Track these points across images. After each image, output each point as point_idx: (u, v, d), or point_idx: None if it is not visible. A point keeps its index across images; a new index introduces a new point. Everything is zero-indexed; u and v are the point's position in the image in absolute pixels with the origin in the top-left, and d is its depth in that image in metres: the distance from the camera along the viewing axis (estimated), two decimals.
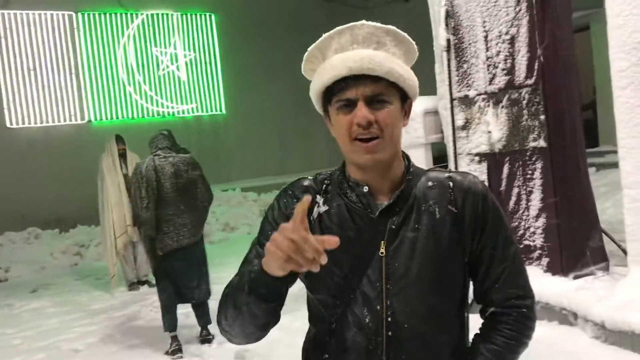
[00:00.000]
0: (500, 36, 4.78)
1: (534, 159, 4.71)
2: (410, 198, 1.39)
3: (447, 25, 5.11)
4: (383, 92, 1.32)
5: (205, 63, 12.68)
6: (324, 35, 1.37)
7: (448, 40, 5.11)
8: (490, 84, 4.89)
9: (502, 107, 4.83)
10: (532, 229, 4.77)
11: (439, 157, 5.58)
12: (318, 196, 1.43)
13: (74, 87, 11.45)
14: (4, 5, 10.72)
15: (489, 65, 4.88)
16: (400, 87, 1.35)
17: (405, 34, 1.39)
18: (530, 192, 4.75)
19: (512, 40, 4.70)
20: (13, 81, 10.96)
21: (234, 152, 12.62)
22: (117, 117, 11.78)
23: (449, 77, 5.14)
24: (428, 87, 5.55)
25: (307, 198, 1.14)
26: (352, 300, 1.36)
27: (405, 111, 1.40)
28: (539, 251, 4.74)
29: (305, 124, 13.67)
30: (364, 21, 1.36)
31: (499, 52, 4.79)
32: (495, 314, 1.45)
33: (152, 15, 12.13)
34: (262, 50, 12.86)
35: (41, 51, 11.21)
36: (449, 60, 5.14)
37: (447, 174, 1.45)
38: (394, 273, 1.35)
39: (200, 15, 12.48)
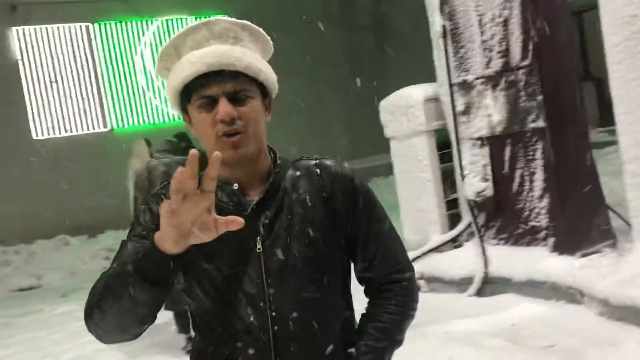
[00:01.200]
0: (493, 19, 4.79)
1: (534, 139, 4.71)
2: (280, 190, 1.39)
3: (442, 11, 5.14)
4: (244, 87, 1.32)
5: None
6: (178, 32, 1.36)
7: (444, 27, 5.14)
8: (487, 68, 4.91)
9: (500, 89, 4.84)
10: (536, 210, 4.77)
11: (445, 143, 5.59)
12: None
13: (95, 96, 11.73)
14: (24, 21, 11.03)
15: (484, 49, 4.90)
16: (260, 82, 1.36)
17: (261, 29, 1.40)
18: (533, 173, 4.76)
19: (506, 23, 4.71)
20: (37, 94, 11.28)
21: None
22: (139, 123, 12.02)
23: (447, 63, 5.17)
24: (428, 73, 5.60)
25: (216, 154, 1.08)
26: (235, 302, 1.35)
27: (267, 106, 1.40)
28: (545, 231, 4.75)
29: (323, 118, 13.75)
30: (219, 17, 1.36)
31: (494, 35, 4.80)
32: (378, 291, 1.46)
33: (166, 20, 12.34)
34: (276, 44, 12.99)
35: (62, 63, 11.51)
36: (445, 46, 5.17)
37: (314, 162, 1.45)
38: (273, 267, 1.35)
39: (213, 16, 12.66)
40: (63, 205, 10.79)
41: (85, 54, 11.68)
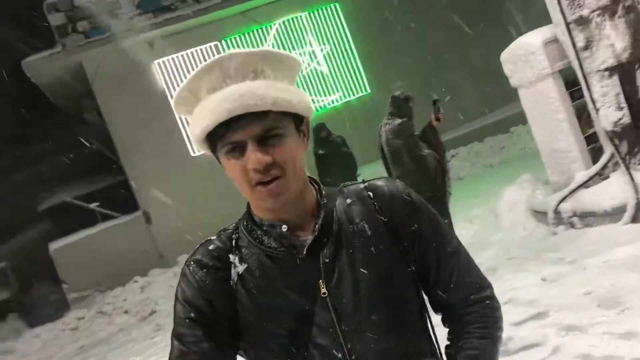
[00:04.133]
0: None
1: None
2: (334, 223, 1.23)
3: None
4: (274, 125, 1.14)
5: (341, 51, 13.33)
6: (191, 75, 1.18)
7: None
8: None
9: (619, 17, 4.84)
10: None
11: (573, 81, 5.63)
12: (231, 255, 1.24)
13: None
14: (162, 54, 12.25)
15: None
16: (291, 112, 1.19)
17: (283, 51, 1.23)
18: None
19: None
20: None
21: None
22: None
23: (559, 3, 5.22)
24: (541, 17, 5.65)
25: None
26: (308, 357, 1.19)
27: (304, 132, 1.24)
28: None
29: (450, 83, 13.79)
30: (232, 50, 1.18)
31: None
32: (459, 316, 1.31)
33: (283, 22, 13.03)
34: (389, 22, 13.25)
35: None
36: None
37: (362, 185, 1.31)
38: (345, 311, 1.19)
39: (326, 8, 13.16)
40: (227, 210, 11.83)
41: None
